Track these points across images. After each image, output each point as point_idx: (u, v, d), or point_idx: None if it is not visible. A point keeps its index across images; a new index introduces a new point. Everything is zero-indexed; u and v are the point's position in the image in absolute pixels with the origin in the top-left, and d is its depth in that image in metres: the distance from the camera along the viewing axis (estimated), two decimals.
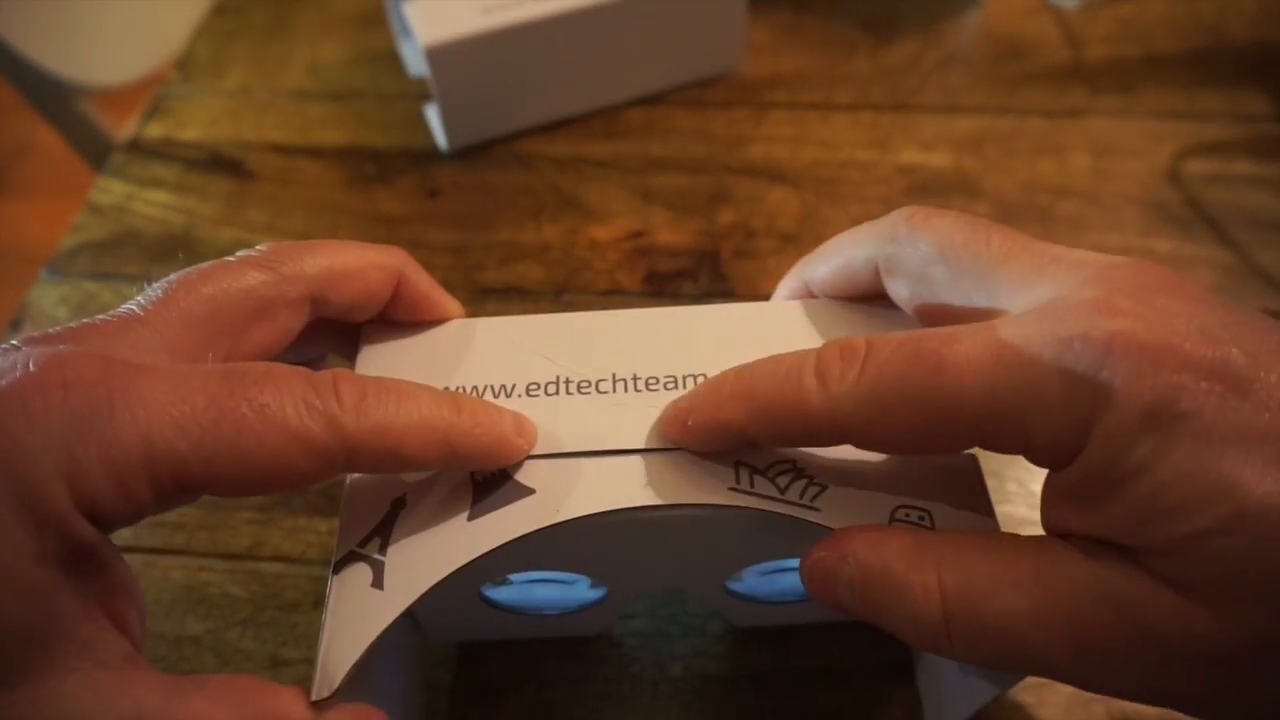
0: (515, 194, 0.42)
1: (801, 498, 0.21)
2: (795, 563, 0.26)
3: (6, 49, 0.60)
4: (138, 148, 0.45)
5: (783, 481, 0.21)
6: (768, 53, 0.48)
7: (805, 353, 0.20)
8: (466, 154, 0.44)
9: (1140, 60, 0.47)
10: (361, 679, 0.20)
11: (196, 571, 0.31)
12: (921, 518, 0.20)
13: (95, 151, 0.69)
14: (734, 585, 0.26)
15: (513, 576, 0.26)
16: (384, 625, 0.19)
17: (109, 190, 0.43)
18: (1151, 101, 0.45)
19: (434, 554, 0.20)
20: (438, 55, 0.40)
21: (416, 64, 0.47)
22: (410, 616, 0.26)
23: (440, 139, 0.44)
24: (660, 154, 0.44)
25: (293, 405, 0.18)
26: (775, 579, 0.26)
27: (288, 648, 0.29)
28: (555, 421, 0.22)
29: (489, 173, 0.43)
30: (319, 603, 0.21)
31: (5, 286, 0.76)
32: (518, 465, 0.22)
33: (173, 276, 0.21)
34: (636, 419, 0.22)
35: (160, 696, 0.17)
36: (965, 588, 0.18)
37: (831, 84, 0.47)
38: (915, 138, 0.44)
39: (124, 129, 0.47)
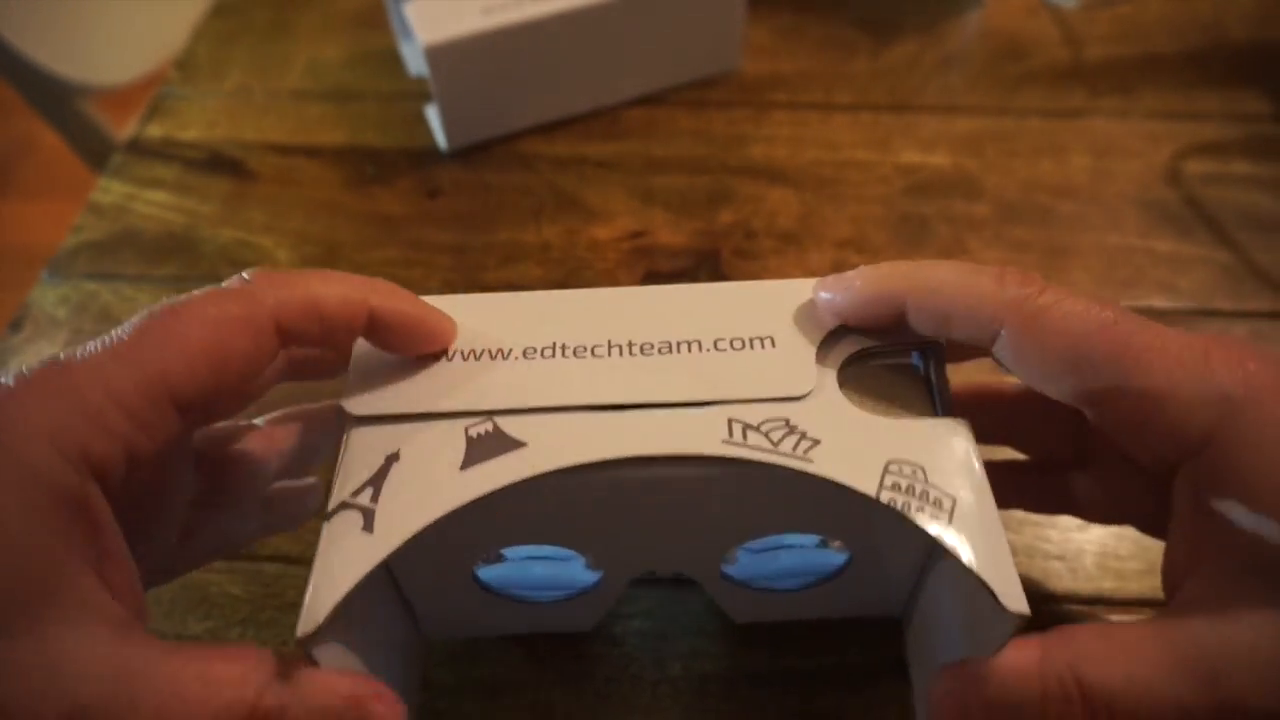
0: (515, 194, 0.42)
1: (794, 450, 0.21)
2: (789, 539, 0.26)
3: (6, 49, 0.60)
4: (138, 148, 0.45)
5: (775, 436, 0.21)
6: (768, 53, 0.48)
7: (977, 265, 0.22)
8: (466, 154, 0.44)
9: (1139, 60, 0.47)
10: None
11: (196, 571, 0.31)
12: (914, 472, 0.21)
13: (95, 151, 0.69)
14: (729, 569, 0.26)
15: (506, 553, 0.26)
16: (373, 563, 0.19)
17: (109, 190, 0.43)
18: (1150, 102, 0.45)
19: (426, 499, 0.21)
20: (438, 55, 0.40)
21: (416, 64, 0.47)
22: (408, 611, 0.26)
23: (440, 139, 0.44)
24: (660, 154, 0.44)
25: (208, 301, 0.20)
26: (771, 558, 0.26)
27: (288, 648, 0.29)
28: (551, 380, 0.23)
29: (489, 173, 0.43)
30: None
31: (5, 287, 0.75)
32: (512, 421, 0.22)
33: (144, 310, 0.21)
34: (631, 378, 0.23)
35: (158, 651, 0.17)
36: (1102, 684, 0.19)
37: (831, 84, 0.47)
38: (915, 138, 0.44)
39: (124, 129, 0.47)
